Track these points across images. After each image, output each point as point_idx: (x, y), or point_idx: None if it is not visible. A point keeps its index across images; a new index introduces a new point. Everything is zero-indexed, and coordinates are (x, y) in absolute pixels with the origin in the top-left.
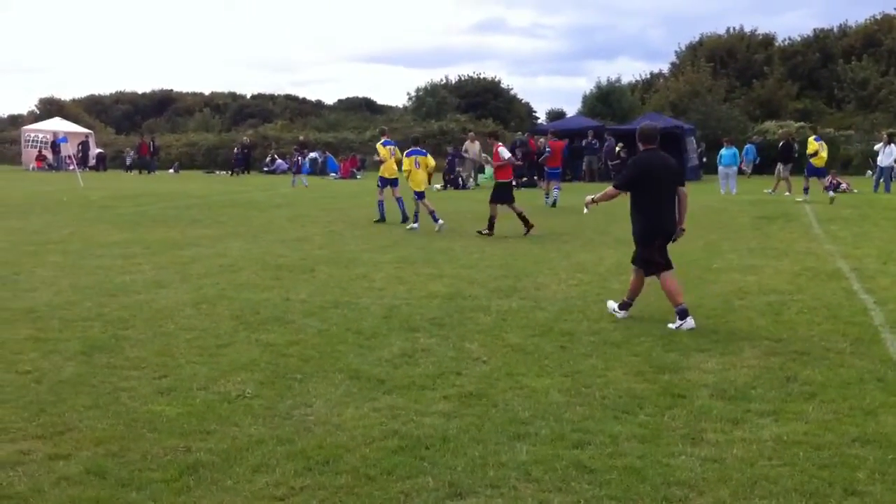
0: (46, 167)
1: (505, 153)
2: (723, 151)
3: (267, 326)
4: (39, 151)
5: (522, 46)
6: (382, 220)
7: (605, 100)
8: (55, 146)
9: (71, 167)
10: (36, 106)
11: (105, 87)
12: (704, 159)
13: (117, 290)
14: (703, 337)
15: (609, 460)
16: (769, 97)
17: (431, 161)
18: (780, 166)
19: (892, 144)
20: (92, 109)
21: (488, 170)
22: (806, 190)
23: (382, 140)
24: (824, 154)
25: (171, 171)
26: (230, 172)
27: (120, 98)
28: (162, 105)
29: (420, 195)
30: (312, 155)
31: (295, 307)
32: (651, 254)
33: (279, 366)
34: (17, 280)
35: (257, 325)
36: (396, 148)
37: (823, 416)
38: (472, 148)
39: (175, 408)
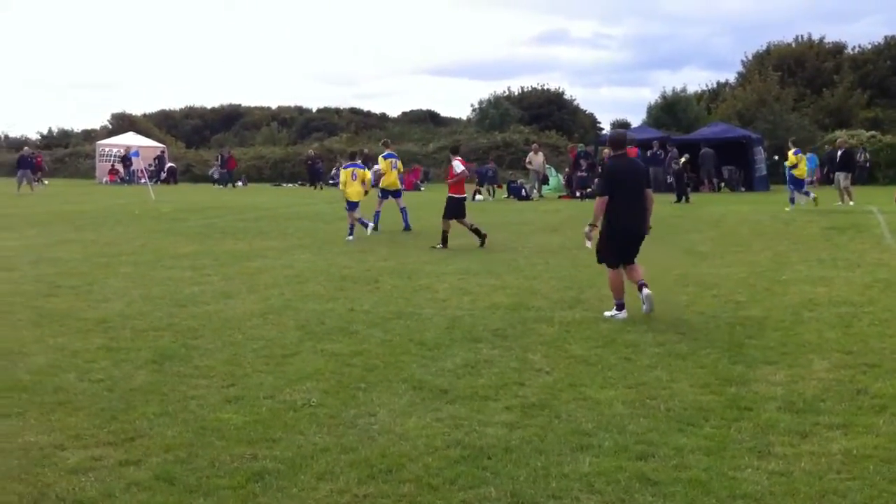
0: (119, 181)
1: (458, 167)
2: None
3: (332, 336)
4: (112, 165)
5: (585, 57)
6: (375, 229)
7: (670, 110)
8: (127, 160)
9: (142, 180)
10: (108, 121)
11: (175, 102)
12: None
13: (187, 301)
14: (771, 349)
15: (673, 473)
16: (839, 106)
17: (368, 174)
18: (840, 176)
19: None
20: (162, 124)
21: (553, 180)
22: (792, 200)
23: (385, 153)
24: (803, 166)
25: (239, 184)
26: (312, 185)
27: (189, 113)
28: (230, 119)
29: (352, 206)
30: (376, 167)
31: (359, 318)
32: (606, 248)
33: (343, 375)
34: (90, 290)
35: (322, 335)
36: (398, 161)
37: (894, 429)
38: (536, 159)
39: (242, 416)
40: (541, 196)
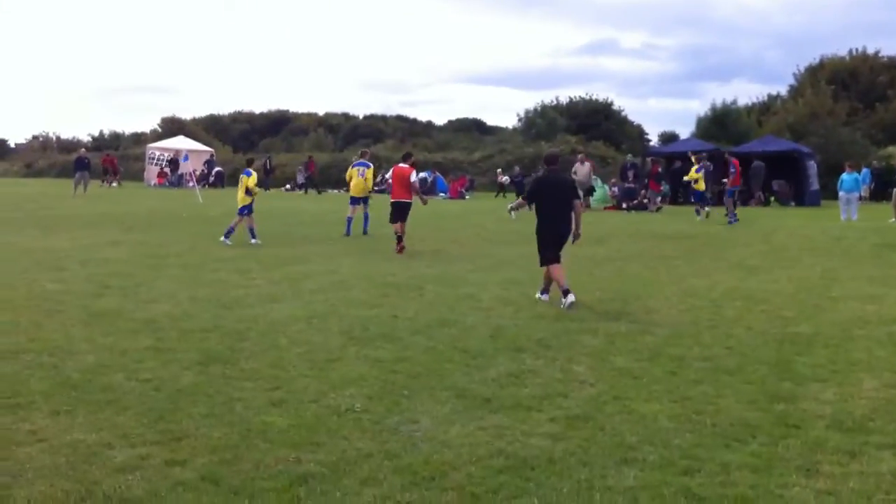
0: (167, 184)
1: (413, 177)
2: (843, 176)
3: (375, 342)
4: (161, 168)
5: (633, 68)
6: (347, 234)
7: (719, 122)
8: (174, 163)
9: (190, 184)
10: (158, 125)
11: (224, 106)
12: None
13: (233, 304)
14: (820, 367)
15: (719, 489)
16: (893, 121)
17: (251, 182)
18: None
19: None
20: (211, 128)
21: (599, 191)
22: (697, 212)
23: (354, 161)
24: (702, 182)
25: (285, 188)
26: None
27: (238, 117)
28: (278, 125)
29: (241, 211)
30: (422, 175)
31: (403, 324)
32: (542, 249)
33: (387, 381)
34: (138, 292)
35: (366, 340)
36: (366, 168)
37: None
38: (582, 170)
39: (286, 419)
40: (588, 207)
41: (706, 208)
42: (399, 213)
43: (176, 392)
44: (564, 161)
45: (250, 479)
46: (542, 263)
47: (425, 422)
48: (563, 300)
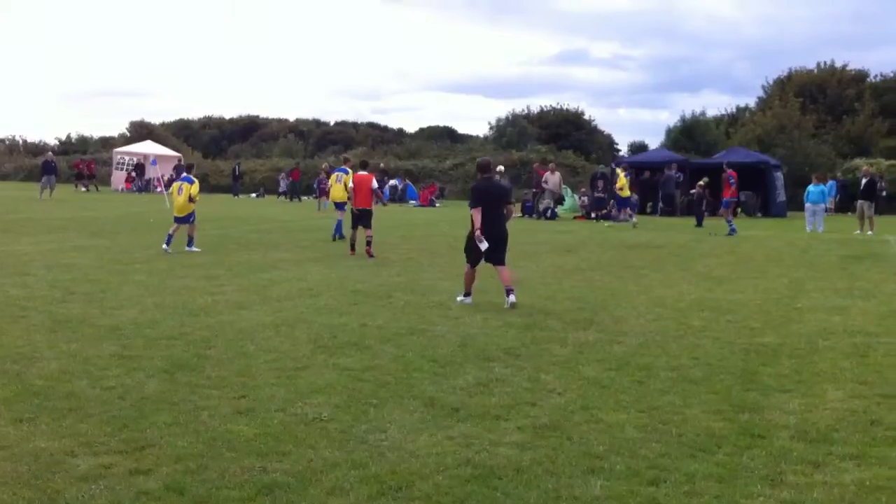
0: (135, 189)
1: (374, 184)
2: (810, 188)
3: (344, 351)
4: (129, 173)
5: (604, 78)
6: (335, 238)
7: (689, 133)
8: (142, 168)
9: (158, 189)
10: (126, 129)
11: (194, 111)
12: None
13: (200, 311)
14: (785, 377)
15: (684, 499)
16: (859, 134)
17: (195, 189)
18: (864, 204)
19: None
20: (180, 133)
21: (569, 200)
22: (613, 219)
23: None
24: (627, 189)
25: (254, 195)
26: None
27: (207, 123)
28: (247, 130)
29: (186, 219)
30: (392, 182)
31: (372, 333)
32: (469, 250)
33: (355, 390)
34: (103, 298)
35: (335, 349)
36: (344, 174)
37: None
38: (552, 178)
39: (253, 428)
40: (557, 216)
41: (633, 218)
42: (362, 219)
43: (140, 400)
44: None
45: (216, 488)
46: (472, 265)
47: (393, 431)
48: (507, 299)
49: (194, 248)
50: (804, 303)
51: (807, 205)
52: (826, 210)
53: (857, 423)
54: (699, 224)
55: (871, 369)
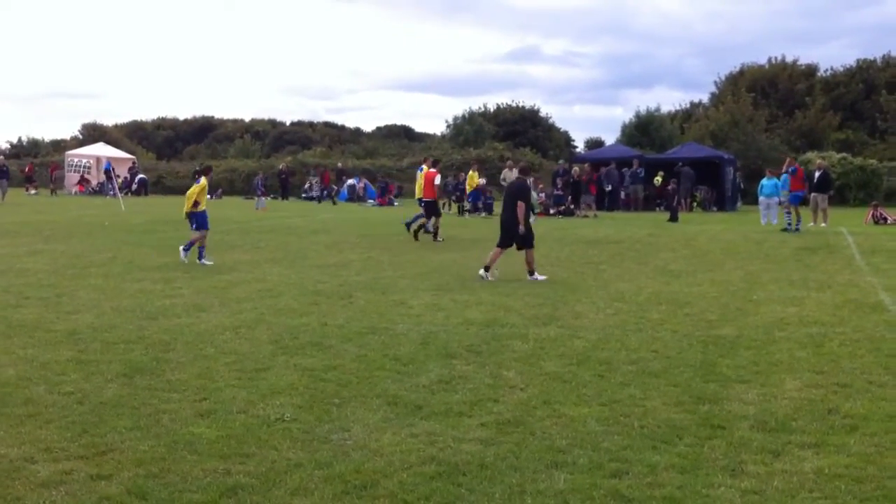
0: (89, 192)
1: (437, 180)
2: (763, 182)
3: (305, 351)
4: (82, 176)
5: (557, 75)
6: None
7: (643, 129)
8: (109, 172)
9: (112, 192)
10: (79, 131)
11: (147, 113)
12: (741, 185)
13: (158, 314)
14: (743, 368)
15: (647, 490)
16: (811, 128)
17: (192, 190)
18: (818, 197)
19: None
20: (134, 135)
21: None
22: (467, 212)
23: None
24: (475, 183)
25: (211, 197)
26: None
27: (161, 124)
28: (202, 131)
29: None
30: (350, 181)
31: (333, 332)
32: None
33: (317, 390)
34: (59, 302)
35: (296, 349)
36: (419, 172)
37: (865, 448)
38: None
39: (215, 430)
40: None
41: (483, 213)
42: (426, 209)
43: (100, 405)
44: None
45: (178, 491)
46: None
47: (356, 430)
48: (486, 275)
49: (184, 257)
50: (760, 295)
51: (761, 198)
52: (780, 203)
53: (815, 412)
54: (674, 219)
55: (826, 359)
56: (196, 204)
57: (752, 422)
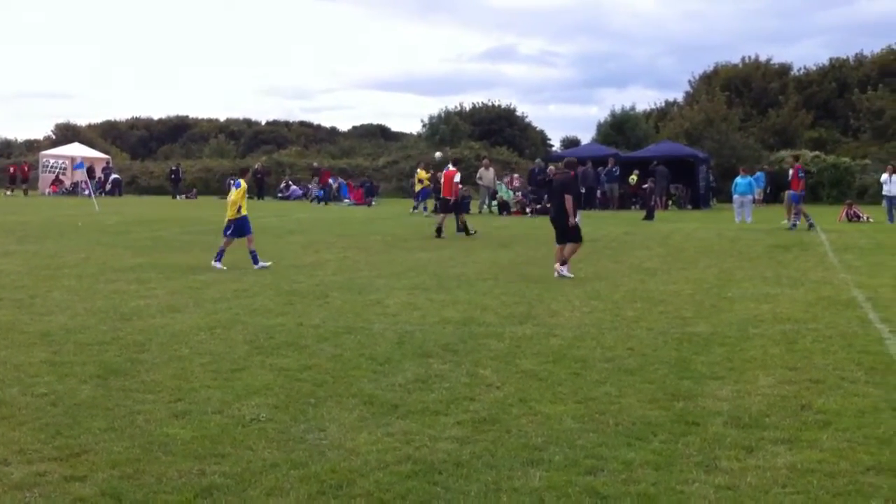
0: (62, 192)
1: (456, 178)
2: (738, 180)
3: (281, 351)
4: (56, 176)
5: (533, 74)
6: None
7: (619, 127)
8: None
9: (86, 192)
10: (52, 131)
11: (121, 112)
12: (714, 183)
13: (132, 314)
14: (717, 365)
15: (623, 487)
16: (784, 126)
17: (234, 195)
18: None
19: None
20: (107, 135)
21: (506, 196)
22: (420, 208)
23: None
24: (419, 184)
25: (185, 196)
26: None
27: (135, 124)
28: (177, 131)
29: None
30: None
31: (308, 332)
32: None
33: (293, 390)
34: (32, 303)
35: (271, 349)
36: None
37: (838, 444)
38: (487, 175)
39: (189, 431)
40: (490, 211)
41: (424, 210)
42: (445, 206)
43: (74, 406)
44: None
45: (153, 492)
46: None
47: (332, 429)
48: (563, 270)
49: (218, 265)
50: (734, 292)
51: (735, 196)
52: (754, 201)
53: (788, 408)
54: (650, 217)
55: (799, 355)
56: (238, 209)
57: (725, 418)
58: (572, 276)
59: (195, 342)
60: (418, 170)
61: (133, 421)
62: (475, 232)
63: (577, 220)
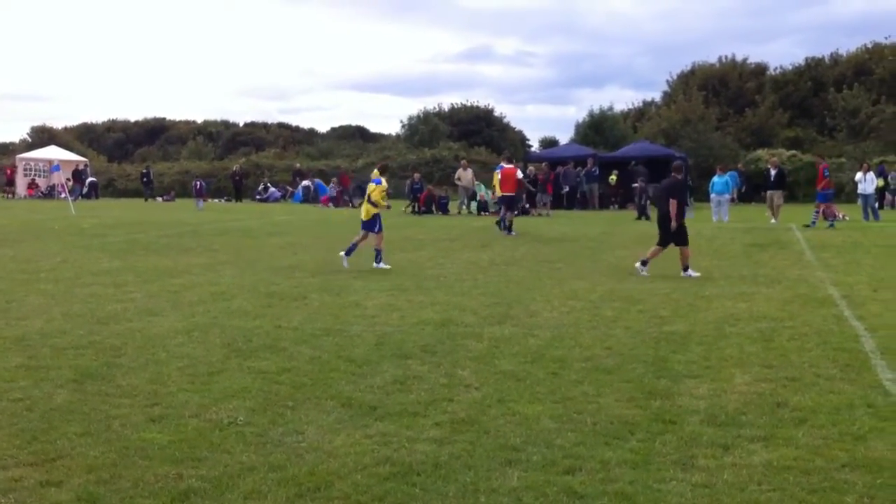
0: (39, 195)
1: (518, 174)
2: (714, 179)
3: (259, 354)
4: (32, 180)
5: (509, 74)
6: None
7: (597, 128)
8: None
9: (62, 195)
10: (28, 134)
11: (97, 115)
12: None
13: (109, 318)
14: (694, 363)
15: (600, 486)
16: (760, 125)
17: (375, 192)
18: (774, 194)
19: (871, 172)
20: (84, 138)
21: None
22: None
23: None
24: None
25: (161, 199)
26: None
27: (112, 126)
28: (154, 133)
29: (363, 224)
30: (305, 183)
31: (287, 335)
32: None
33: (271, 393)
34: (8, 308)
35: (249, 352)
36: (497, 171)
37: (813, 441)
38: (465, 175)
39: (167, 435)
40: (469, 212)
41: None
42: (508, 202)
43: (49, 411)
44: (449, 167)
45: (129, 497)
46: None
47: (310, 432)
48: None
49: (382, 265)
50: (711, 291)
51: (712, 195)
52: (731, 200)
53: (764, 406)
54: (643, 216)
55: (775, 353)
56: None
57: (702, 416)
58: (698, 274)
59: (172, 346)
60: (375, 171)
61: (109, 425)
62: (515, 234)
63: (678, 223)
